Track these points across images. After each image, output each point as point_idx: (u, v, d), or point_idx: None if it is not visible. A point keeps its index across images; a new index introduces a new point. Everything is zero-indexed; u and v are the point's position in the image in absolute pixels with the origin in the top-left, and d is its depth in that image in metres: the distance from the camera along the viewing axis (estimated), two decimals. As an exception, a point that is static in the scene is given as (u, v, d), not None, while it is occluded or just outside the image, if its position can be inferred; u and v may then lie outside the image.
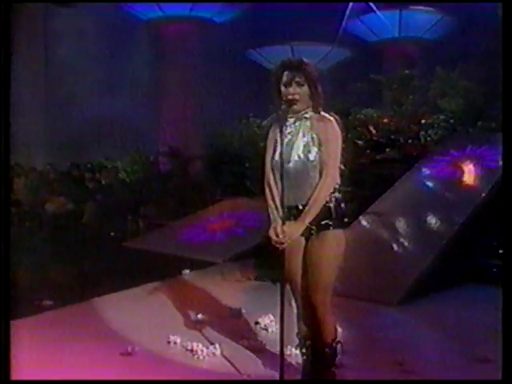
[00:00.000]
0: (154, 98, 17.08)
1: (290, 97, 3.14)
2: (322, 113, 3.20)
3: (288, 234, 3.07)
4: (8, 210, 2.89)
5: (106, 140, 15.77)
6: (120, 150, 13.95)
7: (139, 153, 13.33)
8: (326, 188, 3.10)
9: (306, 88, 3.15)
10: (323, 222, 3.12)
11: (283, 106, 3.18)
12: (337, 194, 3.17)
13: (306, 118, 3.20)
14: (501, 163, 7.61)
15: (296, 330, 3.38)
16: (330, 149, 3.12)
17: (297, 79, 3.14)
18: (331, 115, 3.22)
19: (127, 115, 16.06)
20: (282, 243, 3.07)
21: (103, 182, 12.75)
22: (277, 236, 3.10)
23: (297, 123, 3.20)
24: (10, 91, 2.89)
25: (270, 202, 3.24)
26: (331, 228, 3.13)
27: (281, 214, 3.15)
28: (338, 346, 3.33)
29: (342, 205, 3.18)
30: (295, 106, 3.16)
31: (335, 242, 3.17)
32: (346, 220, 3.22)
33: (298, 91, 3.14)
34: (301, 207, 3.13)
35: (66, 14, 16.21)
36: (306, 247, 3.21)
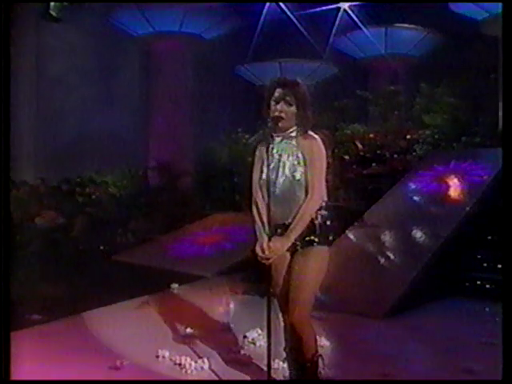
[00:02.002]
0: (143, 112, 17.13)
1: (276, 113, 3.20)
2: (308, 132, 3.25)
3: (274, 249, 3.11)
4: (8, 226, 2.94)
5: (96, 154, 15.78)
6: (110, 165, 13.95)
7: (129, 167, 13.37)
8: (312, 206, 3.15)
9: (293, 108, 3.20)
10: (307, 239, 3.17)
11: (270, 124, 3.23)
12: (323, 212, 3.21)
13: (291, 136, 3.25)
14: (485, 178, 7.78)
15: (283, 344, 3.42)
16: (315, 167, 3.17)
17: (287, 98, 3.20)
18: (320, 132, 3.27)
19: (117, 130, 16.10)
20: (268, 259, 3.12)
21: (93, 197, 12.74)
22: (263, 252, 3.16)
23: (283, 142, 3.25)
24: (9, 105, 2.93)
25: (257, 219, 3.30)
26: (315, 244, 3.18)
27: (267, 230, 3.21)
28: (320, 359, 3.34)
29: (328, 222, 3.22)
30: (280, 124, 3.21)
31: (318, 258, 3.21)
32: (330, 238, 3.25)
33: (285, 109, 3.20)
34: (287, 224, 3.18)
35: (57, 30, 16.27)
36: (290, 262, 3.26)
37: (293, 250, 3.22)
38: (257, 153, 3.34)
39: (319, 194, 3.18)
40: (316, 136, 3.23)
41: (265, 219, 3.24)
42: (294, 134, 3.25)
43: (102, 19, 16.23)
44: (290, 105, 3.20)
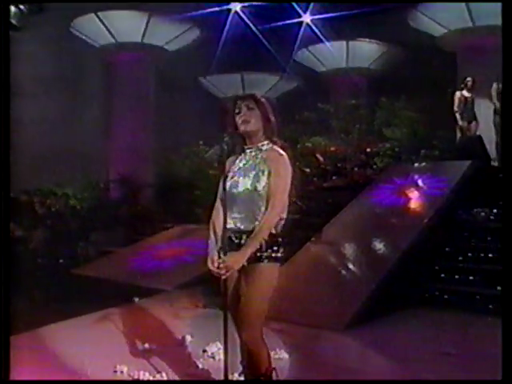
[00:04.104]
0: (104, 124, 17.00)
1: (243, 118, 3.20)
2: (275, 147, 3.24)
3: (229, 264, 3.06)
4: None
5: (56, 166, 15.56)
6: (70, 177, 13.78)
7: (89, 179, 13.23)
8: (271, 220, 3.12)
9: (257, 111, 3.21)
10: (258, 254, 3.11)
11: (236, 137, 3.24)
12: (272, 230, 3.16)
13: (260, 149, 3.24)
14: (443, 190, 7.94)
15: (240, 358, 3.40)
16: (279, 183, 3.15)
17: (247, 103, 3.22)
18: (282, 145, 3.28)
19: (78, 141, 15.91)
20: (219, 274, 3.10)
21: (53, 209, 12.56)
22: (213, 266, 3.13)
23: (252, 154, 3.24)
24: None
25: (212, 233, 3.28)
26: (264, 261, 3.13)
27: (219, 243, 3.20)
28: (273, 373, 3.29)
29: (279, 239, 3.18)
30: (248, 128, 3.20)
31: (267, 275, 3.16)
32: (279, 254, 3.18)
33: (248, 113, 3.20)
34: (245, 231, 3.15)
35: (16, 39, 16.01)
36: (238, 278, 3.22)
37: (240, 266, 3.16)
38: (226, 164, 3.29)
39: (279, 210, 3.16)
40: (283, 152, 3.23)
41: (219, 234, 3.21)
42: (264, 148, 3.25)
43: (63, 29, 16.08)
44: (252, 109, 3.21)
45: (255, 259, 3.12)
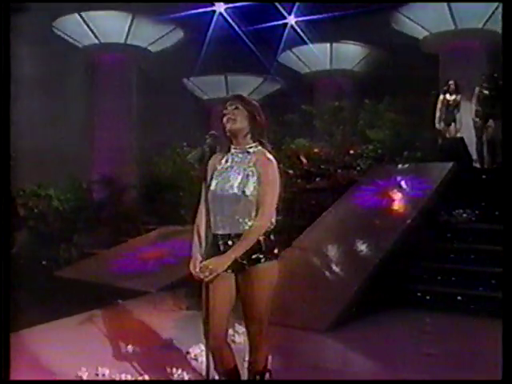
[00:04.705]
0: (88, 124, 16.91)
1: (228, 116, 3.18)
2: (264, 150, 3.23)
3: (213, 268, 3.06)
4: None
5: (38, 167, 15.44)
6: (53, 178, 13.68)
7: (72, 180, 13.13)
8: (259, 228, 3.13)
9: (243, 110, 3.19)
10: (254, 256, 3.14)
11: (221, 137, 3.23)
12: (272, 236, 3.20)
13: (247, 151, 3.23)
14: (426, 191, 8.00)
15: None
16: (268, 190, 3.15)
17: (233, 103, 3.21)
18: (270, 150, 3.27)
19: (61, 142, 15.81)
20: (202, 277, 3.09)
21: (36, 210, 12.46)
22: (195, 269, 3.14)
23: (239, 156, 3.23)
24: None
25: (196, 237, 3.27)
26: (262, 261, 3.16)
27: (203, 247, 3.20)
28: (267, 374, 3.35)
29: (272, 236, 3.21)
30: (234, 126, 3.18)
31: (268, 274, 3.20)
32: (276, 251, 3.23)
33: (234, 112, 3.19)
34: (230, 235, 3.15)
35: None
36: (237, 281, 3.23)
37: (240, 269, 3.19)
38: (210, 163, 3.25)
39: (268, 217, 3.17)
40: (272, 158, 3.23)
41: (203, 237, 3.21)
42: (251, 150, 3.23)
43: (46, 29, 15.97)
44: (237, 108, 3.20)
45: (255, 261, 3.15)
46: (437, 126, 10.38)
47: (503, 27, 3.35)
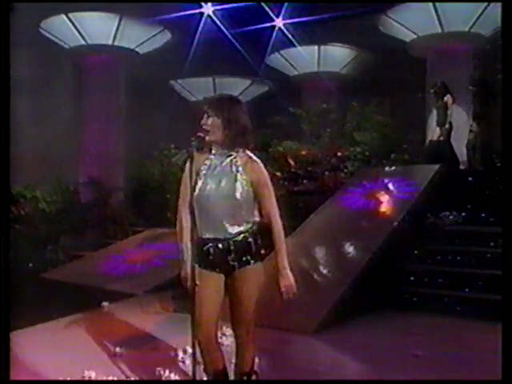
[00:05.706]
0: (75, 126, 16.80)
1: (204, 127, 3.17)
2: (247, 151, 3.22)
3: (294, 289, 3.24)
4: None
5: (25, 169, 15.34)
6: (40, 180, 13.60)
7: (59, 182, 13.07)
8: (281, 228, 3.22)
9: (216, 120, 3.15)
10: (244, 258, 3.17)
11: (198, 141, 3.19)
12: (254, 228, 3.21)
13: (230, 155, 3.20)
14: (413, 193, 8.04)
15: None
16: (267, 191, 3.19)
17: (208, 111, 3.18)
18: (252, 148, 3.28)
19: (47, 143, 15.71)
20: (192, 286, 3.09)
21: (22, 212, 12.39)
22: (186, 281, 3.18)
23: (220, 159, 3.20)
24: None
25: (183, 245, 3.24)
26: (252, 263, 3.19)
27: (189, 253, 3.16)
28: (254, 376, 3.37)
29: (259, 240, 3.21)
30: (207, 138, 3.16)
31: (255, 275, 3.23)
32: (262, 252, 3.24)
33: (208, 122, 3.16)
34: (223, 238, 3.15)
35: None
36: (226, 283, 3.25)
37: (228, 271, 3.20)
38: (192, 163, 3.14)
39: (279, 216, 3.22)
40: (257, 159, 3.23)
41: (188, 242, 3.19)
42: (233, 153, 3.20)
43: (32, 30, 15.84)
44: (210, 116, 3.17)
45: (245, 262, 3.18)
46: (430, 127, 10.30)
47: (503, 27, 3.37)
